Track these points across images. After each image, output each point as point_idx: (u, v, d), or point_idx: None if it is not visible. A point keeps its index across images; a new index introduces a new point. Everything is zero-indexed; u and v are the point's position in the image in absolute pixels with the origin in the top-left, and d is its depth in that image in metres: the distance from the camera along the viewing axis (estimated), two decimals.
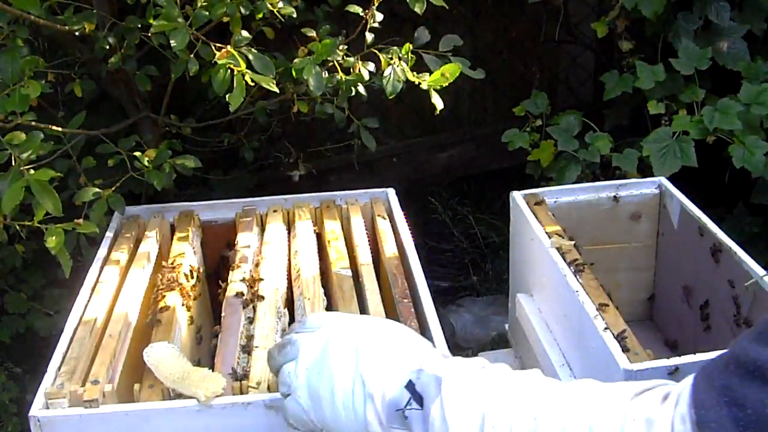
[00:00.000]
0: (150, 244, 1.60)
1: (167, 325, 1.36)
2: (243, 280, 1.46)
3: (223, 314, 1.39)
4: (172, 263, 1.54)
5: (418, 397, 0.91)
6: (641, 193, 1.90)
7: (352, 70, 1.83)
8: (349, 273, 1.49)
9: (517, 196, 1.82)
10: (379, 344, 0.99)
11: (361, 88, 1.88)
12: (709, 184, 2.49)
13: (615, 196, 1.89)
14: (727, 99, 2.38)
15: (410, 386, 0.92)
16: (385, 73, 1.77)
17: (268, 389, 1.18)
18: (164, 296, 1.43)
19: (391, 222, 1.68)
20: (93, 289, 1.44)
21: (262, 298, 1.41)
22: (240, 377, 1.21)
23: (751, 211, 2.66)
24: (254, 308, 1.40)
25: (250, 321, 1.37)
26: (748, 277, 1.54)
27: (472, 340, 2.87)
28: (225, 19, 1.71)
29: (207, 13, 1.66)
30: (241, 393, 1.19)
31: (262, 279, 1.47)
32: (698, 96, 2.47)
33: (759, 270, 1.53)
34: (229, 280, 1.48)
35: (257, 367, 1.23)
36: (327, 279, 1.51)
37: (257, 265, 1.54)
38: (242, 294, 1.42)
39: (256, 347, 1.28)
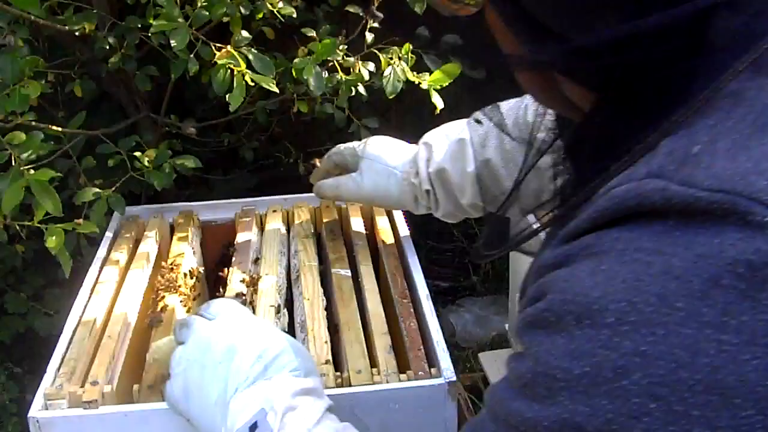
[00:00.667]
0: (149, 245, 1.60)
1: (167, 326, 1.35)
2: (242, 280, 1.46)
3: None
4: (171, 263, 1.53)
5: None
6: None
7: (352, 70, 1.83)
8: (349, 273, 1.49)
9: None
10: (252, 357, 0.98)
11: (361, 88, 1.88)
12: None
13: None
14: None
15: (254, 427, 0.94)
16: (385, 73, 1.77)
17: None
18: (164, 297, 1.43)
19: (390, 222, 1.67)
20: (92, 290, 1.44)
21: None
22: None
23: None
24: (254, 308, 1.40)
25: None
26: None
27: (472, 340, 2.87)
28: (225, 19, 1.71)
29: (207, 13, 1.66)
30: None
31: (261, 278, 1.47)
32: None
33: None
34: (228, 281, 1.48)
35: None
36: (326, 279, 1.51)
37: (257, 265, 1.54)
38: (242, 294, 1.42)
39: None
